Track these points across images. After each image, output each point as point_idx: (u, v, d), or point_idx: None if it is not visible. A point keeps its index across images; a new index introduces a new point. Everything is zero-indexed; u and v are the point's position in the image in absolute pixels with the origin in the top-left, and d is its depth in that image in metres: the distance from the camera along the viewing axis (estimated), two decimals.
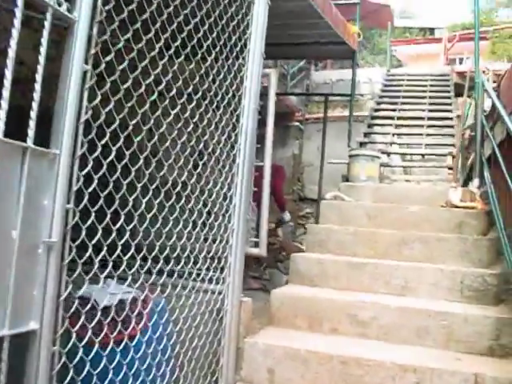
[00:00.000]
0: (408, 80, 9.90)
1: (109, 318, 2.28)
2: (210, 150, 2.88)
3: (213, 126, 2.85)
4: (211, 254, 2.97)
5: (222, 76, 2.88)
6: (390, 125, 8.10)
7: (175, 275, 2.71)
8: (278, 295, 3.62)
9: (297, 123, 10.89)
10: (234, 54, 2.99)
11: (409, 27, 22.53)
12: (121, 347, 2.34)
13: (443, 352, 3.18)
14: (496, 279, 3.61)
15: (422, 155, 7.42)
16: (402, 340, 3.30)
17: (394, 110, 8.64)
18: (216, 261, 3.00)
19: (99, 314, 2.15)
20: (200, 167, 2.85)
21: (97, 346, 2.12)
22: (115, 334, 2.39)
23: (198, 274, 2.90)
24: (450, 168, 6.63)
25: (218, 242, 3.00)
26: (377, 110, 8.86)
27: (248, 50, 3.08)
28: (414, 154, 7.85)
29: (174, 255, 2.66)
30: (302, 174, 10.89)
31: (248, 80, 3.08)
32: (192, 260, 2.85)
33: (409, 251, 4.23)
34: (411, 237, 4.26)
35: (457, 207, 4.75)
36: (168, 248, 2.59)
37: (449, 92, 9.01)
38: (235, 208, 3.02)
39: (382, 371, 2.87)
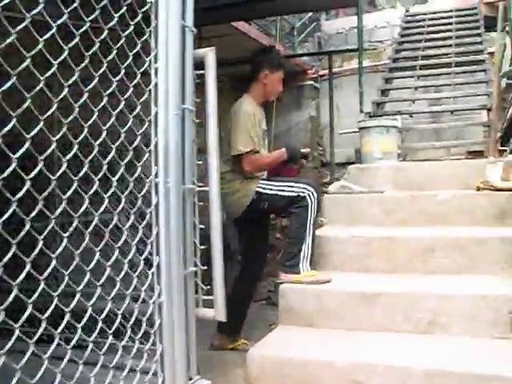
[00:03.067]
0: (430, 20, 8.56)
1: None
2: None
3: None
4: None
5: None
6: (412, 77, 6.87)
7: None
8: (256, 359, 2.64)
9: (311, 82, 9.72)
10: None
11: None
12: None
13: None
14: None
15: (451, 111, 6.20)
16: None
17: (415, 58, 7.38)
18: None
19: None
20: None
21: None
22: None
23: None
24: (487, 125, 5.47)
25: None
26: (395, 60, 7.61)
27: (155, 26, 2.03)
28: (440, 112, 6.62)
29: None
30: (321, 137, 9.75)
31: (160, 73, 2.04)
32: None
33: (437, 261, 3.20)
34: (440, 241, 3.22)
35: (498, 189, 3.65)
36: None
37: (478, 28, 7.69)
38: (160, 261, 2.02)
39: None
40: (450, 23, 8.16)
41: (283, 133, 9.81)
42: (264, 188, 3.44)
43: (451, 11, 8.67)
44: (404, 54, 7.80)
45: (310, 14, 10.02)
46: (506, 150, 4.56)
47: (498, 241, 3.13)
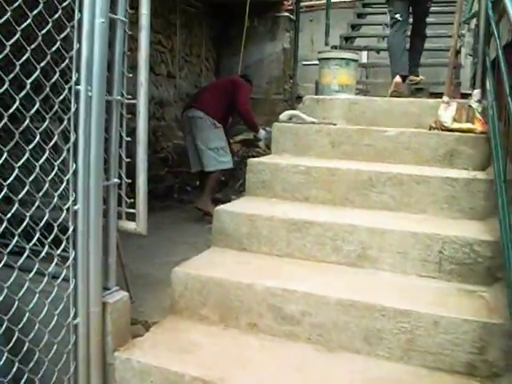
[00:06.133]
0: None
1: None
2: None
3: None
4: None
5: None
6: (385, 13, 6.69)
7: None
8: (180, 275, 2.62)
9: (287, 13, 9.46)
10: None
11: None
12: None
13: (400, 369, 2.21)
14: (489, 249, 2.55)
15: None
16: (343, 346, 2.34)
17: None
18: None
19: None
20: None
21: None
22: None
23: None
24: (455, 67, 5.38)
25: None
26: None
27: None
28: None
29: None
30: (294, 70, 9.56)
31: None
32: None
33: (377, 196, 3.18)
34: (381, 176, 3.17)
35: (449, 130, 3.61)
36: None
37: None
38: (78, 169, 1.97)
39: None
40: None
41: (254, 63, 9.61)
42: None
43: None
44: None
45: None
46: (470, 95, 4.49)
47: (441, 180, 3.07)
